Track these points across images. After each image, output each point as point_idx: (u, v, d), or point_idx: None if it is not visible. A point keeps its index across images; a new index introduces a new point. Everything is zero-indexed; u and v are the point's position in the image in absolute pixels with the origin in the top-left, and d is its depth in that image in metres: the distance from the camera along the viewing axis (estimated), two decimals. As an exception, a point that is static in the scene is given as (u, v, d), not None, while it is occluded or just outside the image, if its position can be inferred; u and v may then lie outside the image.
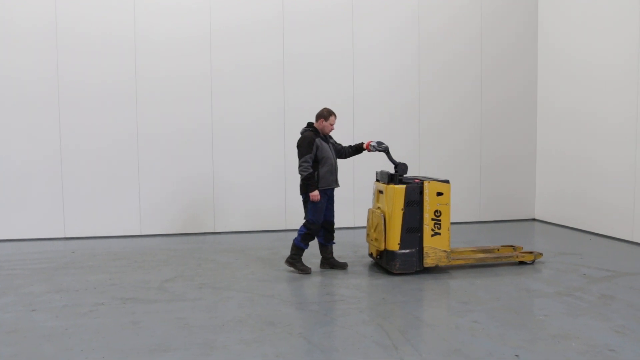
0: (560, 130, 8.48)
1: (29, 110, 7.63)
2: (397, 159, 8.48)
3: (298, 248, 5.76)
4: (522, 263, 6.09)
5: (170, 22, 7.92)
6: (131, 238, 7.83)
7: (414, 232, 5.61)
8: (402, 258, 5.58)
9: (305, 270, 5.76)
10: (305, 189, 5.63)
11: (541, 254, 6.18)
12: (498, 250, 6.34)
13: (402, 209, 5.57)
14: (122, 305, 4.74)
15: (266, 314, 4.48)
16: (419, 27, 8.59)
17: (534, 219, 9.10)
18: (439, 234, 5.67)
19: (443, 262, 5.70)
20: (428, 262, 5.65)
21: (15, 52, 7.55)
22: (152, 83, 7.90)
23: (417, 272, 5.65)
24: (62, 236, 7.80)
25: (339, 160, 6.03)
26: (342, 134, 8.36)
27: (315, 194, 5.58)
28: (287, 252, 6.65)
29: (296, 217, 8.29)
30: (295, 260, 5.79)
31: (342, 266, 5.95)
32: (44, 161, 7.70)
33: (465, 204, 8.88)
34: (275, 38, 8.18)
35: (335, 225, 5.93)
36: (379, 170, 6.20)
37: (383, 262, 5.76)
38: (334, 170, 5.77)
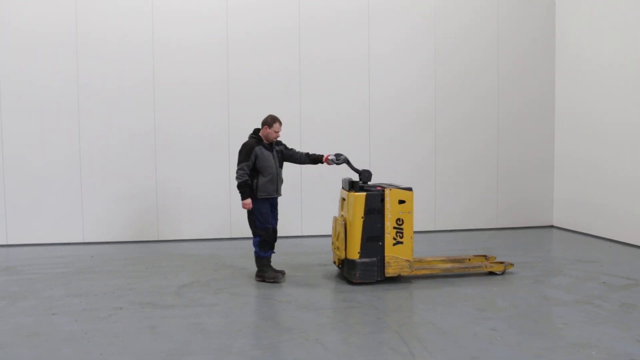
0: (578, 136, 8.40)
1: (49, 115, 7.76)
2: (412, 163, 8.57)
3: (262, 258, 5.66)
4: (492, 273, 5.92)
5: (188, 29, 8.01)
6: (148, 243, 7.90)
7: (375, 241, 5.48)
8: (362, 267, 5.45)
9: (276, 278, 5.64)
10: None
11: (512, 265, 6.01)
12: (469, 260, 6.18)
13: (362, 217, 5.46)
14: (140, 310, 4.79)
15: (283, 320, 4.49)
16: (434, 32, 8.58)
17: (551, 226, 8.99)
18: (402, 242, 5.54)
19: (405, 272, 5.57)
20: (390, 271, 5.52)
21: (36, 58, 7.70)
22: (169, 89, 7.99)
23: (378, 282, 5.51)
24: (81, 241, 7.89)
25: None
26: (358, 141, 8.40)
27: (247, 202, 5.52)
28: (304, 259, 6.68)
29: (311, 223, 8.32)
30: (264, 271, 5.66)
31: (280, 273, 5.78)
32: (63, 166, 7.82)
33: (481, 210, 8.83)
34: (292, 45, 8.22)
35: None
36: (344, 177, 6.02)
37: (344, 271, 5.66)
38: (275, 180, 5.62)
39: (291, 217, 8.27)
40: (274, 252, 5.79)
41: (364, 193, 5.51)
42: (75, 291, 5.40)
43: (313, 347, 3.91)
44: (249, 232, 8.06)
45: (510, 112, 8.85)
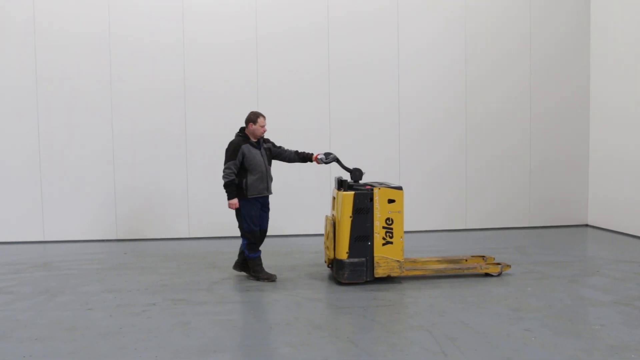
0: (614, 133, 8.17)
1: (84, 112, 7.94)
2: (442, 160, 8.47)
3: (253, 259, 5.67)
4: (488, 275, 5.76)
5: (218, 27, 8.08)
6: (180, 240, 8.02)
7: (364, 241, 5.38)
8: (350, 267, 5.35)
9: (270, 278, 5.65)
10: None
11: (509, 266, 5.82)
12: (466, 260, 6.01)
13: (351, 216, 5.35)
14: (173, 306, 4.85)
15: (313, 318, 4.50)
16: (465, 26, 8.46)
17: (586, 225, 8.78)
18: (391, 242, 5.41)
19: (395, 273, 5.44)
20: (379, 272, 5.41)
21: (72, 57, 7.89)
22: (200, 87, 8.08)
23: (367, 282, 5.43)
24: (114, 238, 8.06)
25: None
26: (387, 137, 8.35)
27: (233, 202, 5.48)
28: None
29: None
30: (257, 272, 5.68)
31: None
32: (96, 163, 7.98)
33: (512, 208, 8.68)
34: (321, 42, 8.22)
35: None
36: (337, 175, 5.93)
37: (333, 271, 5.59)
38: (264, 178, 5.57)
39: (320, 215, 8.26)
40: (260, 251, 5.83)
41: (352, 192, 5.41)
42: (110, 287, 5.51)
43: (345, 346, 3.90)
44: (280, 230, 8.20)
45: (544, 108, 8.66)
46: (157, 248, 7.51)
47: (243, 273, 5.90)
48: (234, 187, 5.47)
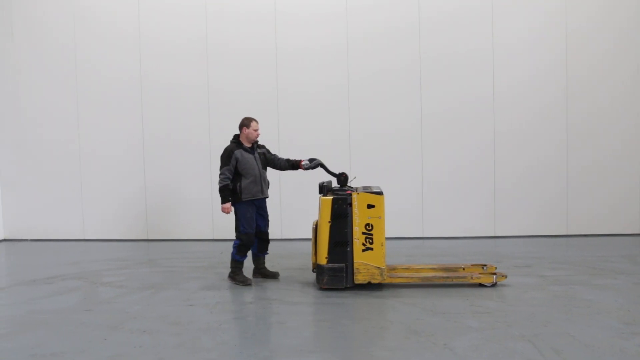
0: None
1: (184, 114, 8.39)
2: (540, 159, 8.02)
3: (236, 261, 5.70)
4: (482, 285, 5.37)
5: (309, 32, 8.20)
6: (272, 241, 8.18)
7: (343, 246, 5.24)
8: (329, 273, 5.26)
9: (245, 282, 5.68)
10: (226, 200, 5.58)
11: (505, 276, 5.38)
12: (463, 269, 5.61)
13: (329, 222, 5.24)
14: (268, 305, 4.98)
15: (409, 322, 4.42)
16: (566, 18, 7.98)
17: None
18: (371, 249, 5.23)
19: (376, 280, 5.24)
20: (359, 278, 5.25)
21: (173, 64, 8.36)
22: (292, 93, 8.24)
23: (346, 289, 5.27)
24: (211, 237, 8.41)
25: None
26: (481, 134, 8.08)
27: (226, 206, 5.56)
28: (431, 260, 6.57)
29: (432, 224, 8.14)
30: (235, 273, 5.73)
31: (274, 275, 5.87)
32: (195, 166, 8.37)
33: (620, 212, 8.06)
34: (412, 41, 8.10)
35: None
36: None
37: (316, 277, 5.44)
38: (258, 181, 5.64)
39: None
40: (267, 254, 6.00)
41: (331, 197, 5.30)
42: (208, 284, 5.76)
43: (442, 352, 3.80)
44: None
45: (657, 105, 7.99)
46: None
47: (264, 278, 5.95)
48: (227, 191, 5.61)
